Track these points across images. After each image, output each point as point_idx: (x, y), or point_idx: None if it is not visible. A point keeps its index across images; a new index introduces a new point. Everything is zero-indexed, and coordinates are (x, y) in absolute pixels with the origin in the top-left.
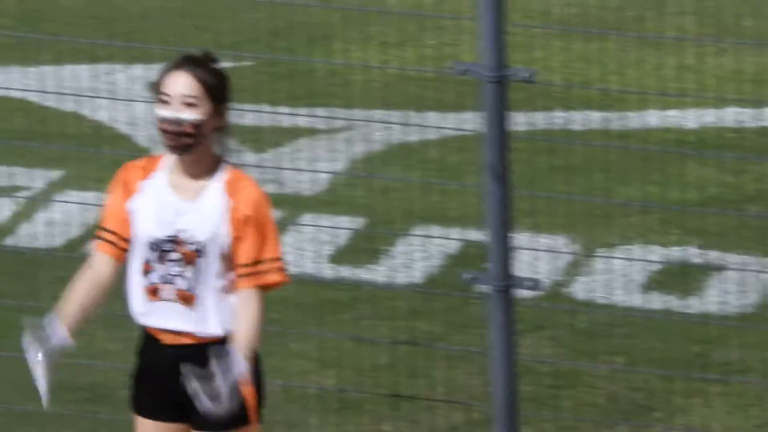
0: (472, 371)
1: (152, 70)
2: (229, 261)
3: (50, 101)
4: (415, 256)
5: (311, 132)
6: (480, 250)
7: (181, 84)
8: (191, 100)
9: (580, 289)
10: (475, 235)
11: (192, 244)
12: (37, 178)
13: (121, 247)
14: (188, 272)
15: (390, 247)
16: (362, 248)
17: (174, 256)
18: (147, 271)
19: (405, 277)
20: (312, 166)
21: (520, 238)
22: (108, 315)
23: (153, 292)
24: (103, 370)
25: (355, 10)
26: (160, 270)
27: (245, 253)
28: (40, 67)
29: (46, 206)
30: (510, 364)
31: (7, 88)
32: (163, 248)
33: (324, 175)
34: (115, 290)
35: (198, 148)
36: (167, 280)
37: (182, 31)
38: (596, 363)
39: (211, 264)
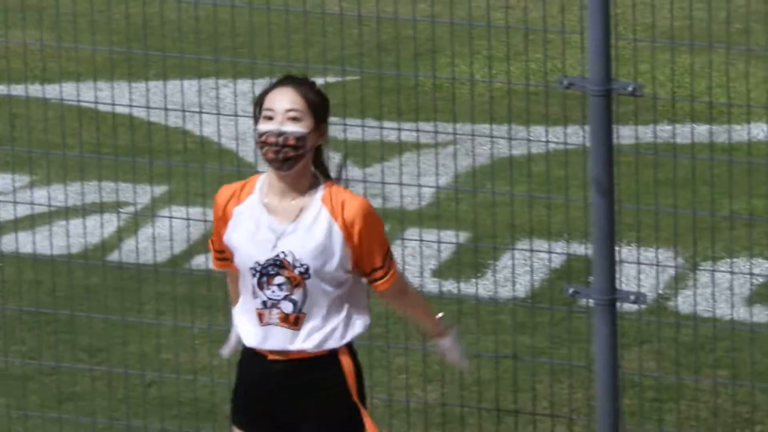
0: (575, 385)
1: (258, 86)
2: (343, 277)
3: (156, 117)
4: (519, 270)
5: (416, 146)
6: (584, 264)
7: (286, 99)
8: (295, 114)
9: (683, 302)
10: (579, 248)
11: (297, 266)
12: (142, 194)
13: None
14: (295, 294)
15: (494, 261)
16: (466, 262)
17: (279, 279)
18: (253, 295)
19: (508, 291)
20: (417, 180)
21: (624, 252)
22: (211, 330)
23: (260, 316)
24: (206, 385)
25: (462, 24)
26: (265, 294)
27: (369, 260)
28: (146, 83)
29: (151, 222)
30: (613, 377)
31: (114, 104)
32: (267, 272)
33: (429, 190)
34: (217, 305)
35: (298, 164)
36: (273, 304)
37: (288, 46)
38: (700, 376)
39: (319, 284)
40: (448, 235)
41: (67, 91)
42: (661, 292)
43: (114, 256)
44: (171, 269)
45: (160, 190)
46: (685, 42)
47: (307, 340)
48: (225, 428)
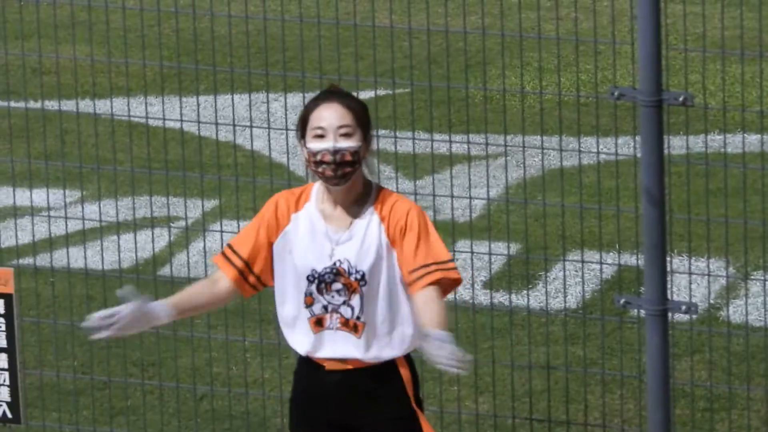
0: (626, 396)
1: (309, 99)
2: (398, 284)
3: (206, 131)
4: (570, 281)
5: (467, 158)
6: (635, 275)
7: (335, 116)
8: (347, 130)
9: (735, 312)
10: (630, 259)
11: (353, 273)
12: (192, 208)
13: (246, 279)
14: (353, 300)
15: (545, 273)
16: (517, 274)
17: (337, 286)
18: (309, 303)
19: (560, 302)
20: (468, 192)
21: (676, 262)
22: (262, 343)
23: (318, 322)
24: (257, 398)
25: (512, 36)
26: (323, 301)
27: (409, 261)
28: (196, 97)
29: (202, 236)
30: (665, 387)
31: (164, 119)
32: (324, 280)
33: (480, 202)
34: (268, 318)
35: (353, 177)
36: (332, 310)
37: (338, 59)
38: (751, 386)
39: (376, 291)
40: (499, 247)
41: (118, 106)
42: (712, 301)
43: (165, 271)
44: None
45: (210, 204)
46: (736, 52)
47: (366, 349)
48: None
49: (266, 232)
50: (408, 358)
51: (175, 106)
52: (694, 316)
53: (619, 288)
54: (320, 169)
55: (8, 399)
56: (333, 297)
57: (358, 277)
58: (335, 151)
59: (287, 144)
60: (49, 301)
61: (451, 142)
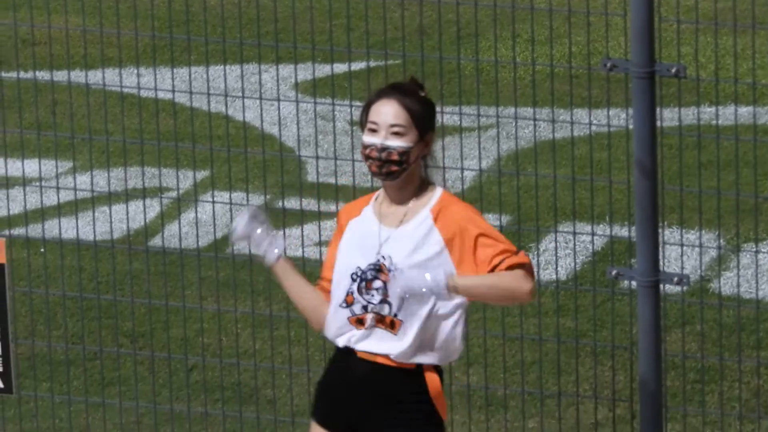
0: (617, 367)
1: (300, 70)
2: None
3: (198, 102)
4: (562, 253)
5: (458, 130)
6: (626, 247)
7: (390, 113)
8: (398, 129)
9: (726, 284)
10: (622, 231)
11: (392, 270)
12: (184, 179)
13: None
14: (391, 297)
15: (536, 244)
16: None
17: (377, 284)
18: (350, 303)
19: (551, 273)
20: (459, 163)
21: (667, 234)
22: (254, 314)
23: (357, 321)
24: (248, 369)
25: (504, 8)
26: (362, 301)
27: (484, 262)
28: (188, 68)
29: (193, 207)
30: (656, 359)
31: (156, 90)
32: (366, 277)
33: (471, 173)
34: (259, 289)
35: (403, 175)
36: (371, 309)
37: (330, 30)
38: (742, 358)
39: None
40: (491, 219)
41: (109, 76)
42: (703, 273)
43: (156, 241)
44: (213, 254)
45: (202, 175)
46: (729, 23)
47: (400, 348)
48: (268, 412)
49: (335, 244)
50: (439, 371)
51: (167, 77)
52: (685, 288)
53: (610, 260)
54: (368, 163)
55: (0, 369)
56: (372, 296)
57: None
58: (382, 149)
59: (279, 115)
60: (41, 271)
61: (442, 113)
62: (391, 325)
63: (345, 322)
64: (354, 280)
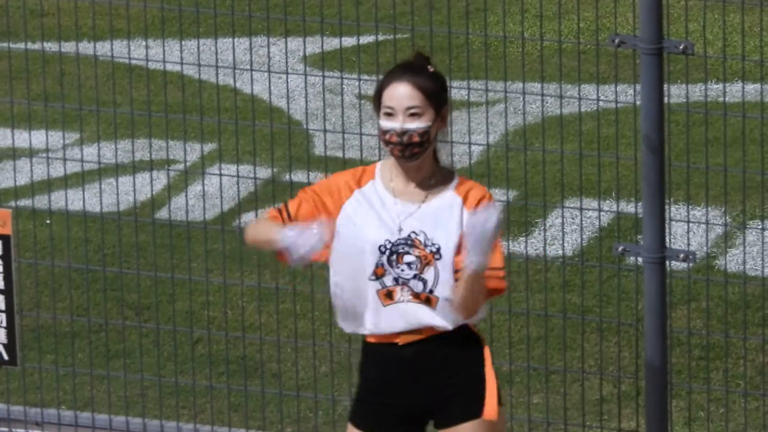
0: (623, 343)
1: (309, 43)
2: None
3: (206, 74)
4: (568, 228)
5: (466, 105)
6: (632, 223)
7: (405, 96)
8: (416, 111)
9: (732, 261)
10: (628, 207)
11: (429, 246)
12: (191, 152)
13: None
14: (426, 274)
15: (543, 219)
16: (515, 220)
17: (409, 258)
18: (380, 275)
19: (557, 249)
20: (467, 138)
21: (673, 210)
22: (259, 287)
23: (388, 295)
24: (254, 343)
25: None
26: (395, 271)
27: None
28: (196, 41)
29: (200, 179)
30: (662, 336)
31: (164, 62)
32: (397, 251)
33: (478, 148)
34: (265, 262)
35: (424, 155)
36: (404, 282)
37: (339, 3)
38: (747, 335)
39: (449, 266)
40: (498, 193)
41: (118, 48)
42: (709, 250)
43: (163, 214)
44: (220, 227)
45: (209, 147)
46: (736, 0)
47: (442, 317)
48: (273, 385)
49: (322, 208)
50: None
51: (175, 49)
52: (691, 265)
53: (617, 236)
54: (389, 147)
55: (4, 341)
56: (403, 270)
57: (434, 249)
58: (402, 132)
59: (287, 88)
60: (47, 243)
61: (450, 88)
62: (428, 301)
63: (375, 298)
64: (382, 253)
